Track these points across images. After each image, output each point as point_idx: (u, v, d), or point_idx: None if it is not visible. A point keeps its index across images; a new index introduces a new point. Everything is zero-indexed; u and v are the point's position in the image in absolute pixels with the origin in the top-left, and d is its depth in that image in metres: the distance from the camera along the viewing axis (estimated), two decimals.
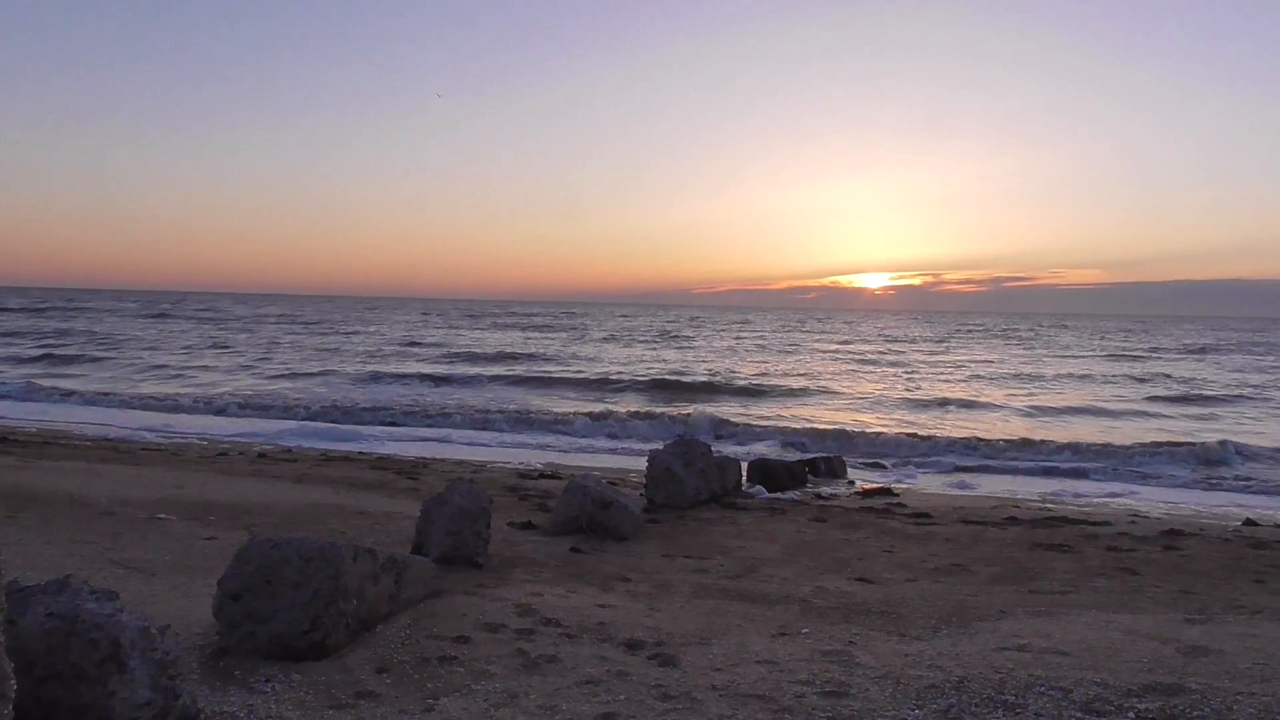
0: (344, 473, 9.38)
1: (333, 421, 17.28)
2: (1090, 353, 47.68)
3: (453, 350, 38.23)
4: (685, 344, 48.72)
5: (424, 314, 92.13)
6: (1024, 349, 50.91)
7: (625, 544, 6.46)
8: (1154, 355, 45.64)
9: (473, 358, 34.78)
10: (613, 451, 15.26)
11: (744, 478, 11.43)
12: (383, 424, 17.42)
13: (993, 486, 12.13)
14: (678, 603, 4.80)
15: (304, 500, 7.43)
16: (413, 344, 41.96)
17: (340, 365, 29.73)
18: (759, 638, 4.18)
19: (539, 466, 12.79)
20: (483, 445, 15.12)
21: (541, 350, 39.67)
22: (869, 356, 41.06)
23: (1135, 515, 9.71)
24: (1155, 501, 11.18)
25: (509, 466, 12.24)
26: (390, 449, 14.25)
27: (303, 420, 17.54)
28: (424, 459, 12.07)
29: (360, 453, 12.53)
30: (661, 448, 8.79)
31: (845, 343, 54.31)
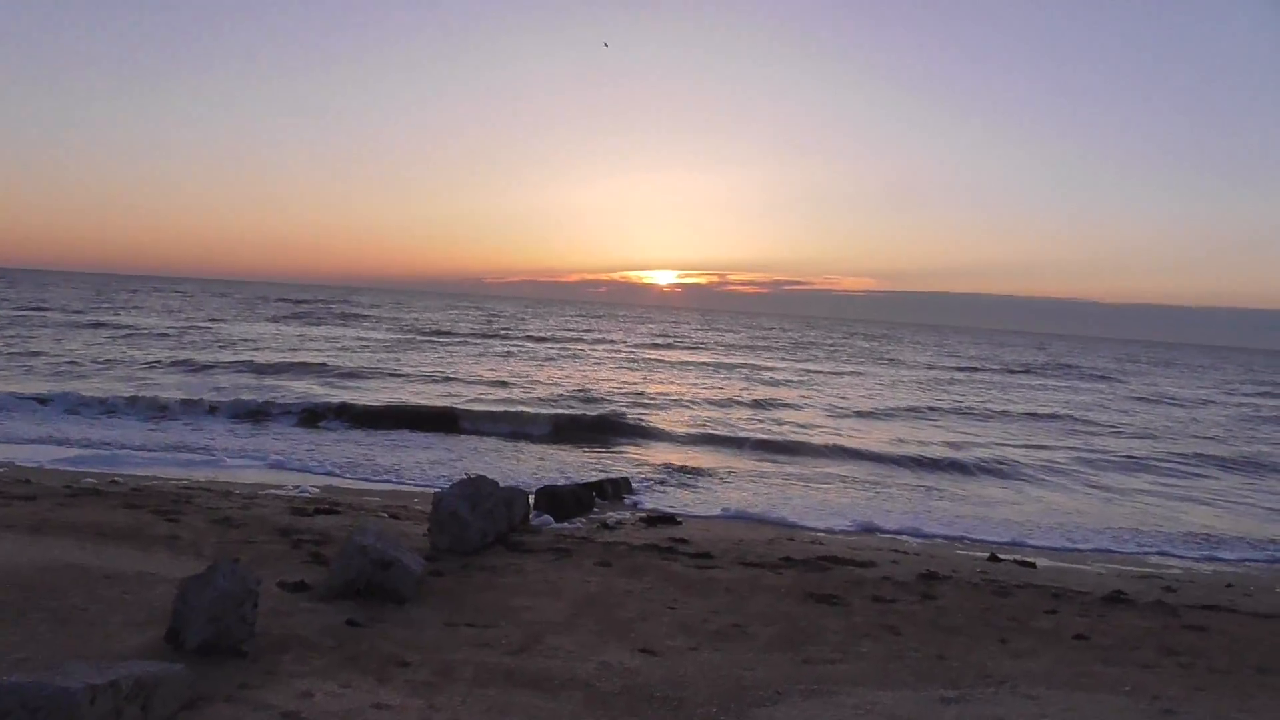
0: (92, 515, 8.53)
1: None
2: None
3: (218, 337, 36.15)
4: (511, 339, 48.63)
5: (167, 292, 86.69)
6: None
7: (405, 609, 6.20)
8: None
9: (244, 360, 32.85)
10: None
11: (532, 506, 11.36)
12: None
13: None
14: (458, 696, 4.64)
15: (42, 560, 6.68)
16: (162, 334, 39.23)
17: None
18: None
19: (316, 491, 12.20)
20: (251, 462, 14.26)
21: (304, 344, 38.21)
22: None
23: (896, 552, 10.35)
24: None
25: (282, 494, 11.59)
26: (147, 468, 13.21)
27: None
28: (188, 488, 11.22)
29: (114, 479, 11.49)
30: (448, 487, 8.54)
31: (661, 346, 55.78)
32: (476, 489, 8.54)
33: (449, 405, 20.70)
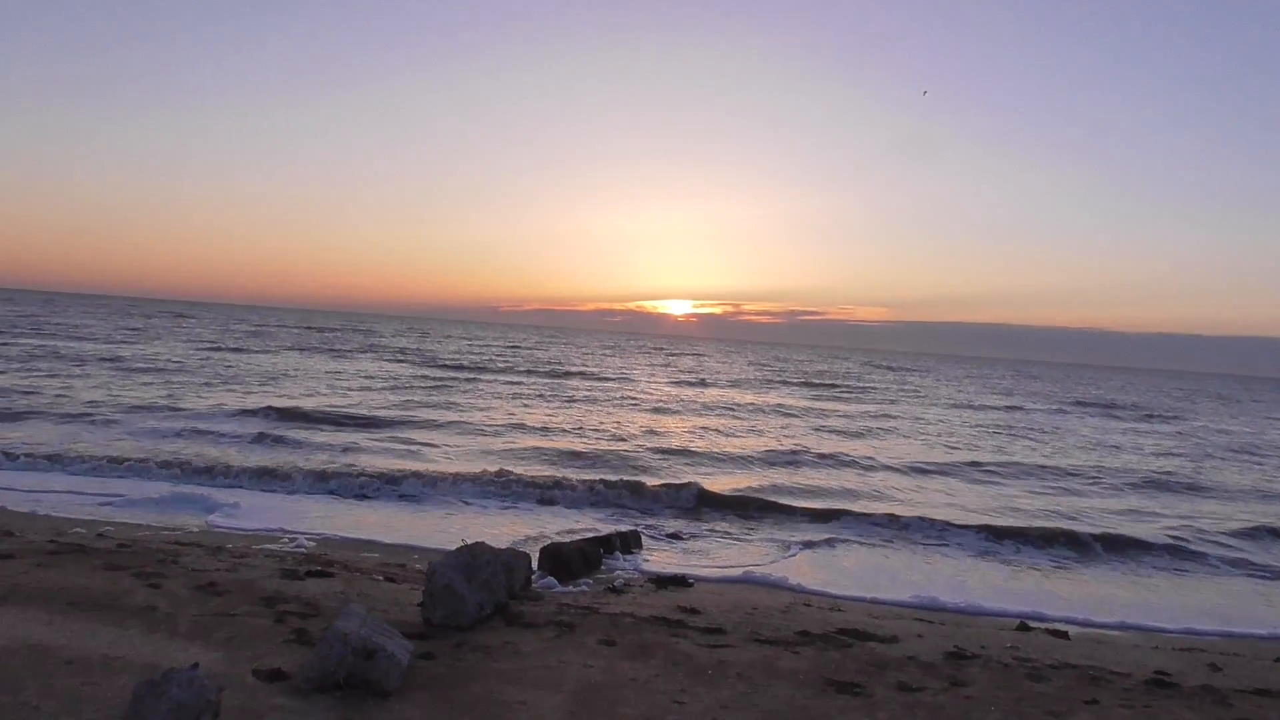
0: (69, 578, 8.08)
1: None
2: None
3: (232, 374, 35.78)
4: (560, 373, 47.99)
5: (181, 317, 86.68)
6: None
7: (389, 704, 5.70)
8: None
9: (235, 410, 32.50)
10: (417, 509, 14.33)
11: (535, 567, 10.87)
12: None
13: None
14: None
15: (4, 638, 6.22)
16: (160, 367, 38.96)
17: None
18: None
19: (312, 546, 11.74)
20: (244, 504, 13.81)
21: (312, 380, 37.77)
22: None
23: (922, 620, 9.78)
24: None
25: (275, 551, 11.13)
26: (141, 516, 12.81)
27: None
28: (179, 542, 10.78)
29: (103, 531, 11.07)
30: (443, 559, 8.04)
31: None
32: (473, 558, 8.04)
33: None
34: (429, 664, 6.58)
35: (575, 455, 21.36)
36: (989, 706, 6.56)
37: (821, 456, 23.81)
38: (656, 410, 35.28)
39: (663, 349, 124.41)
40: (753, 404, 41.14)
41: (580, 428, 27.19)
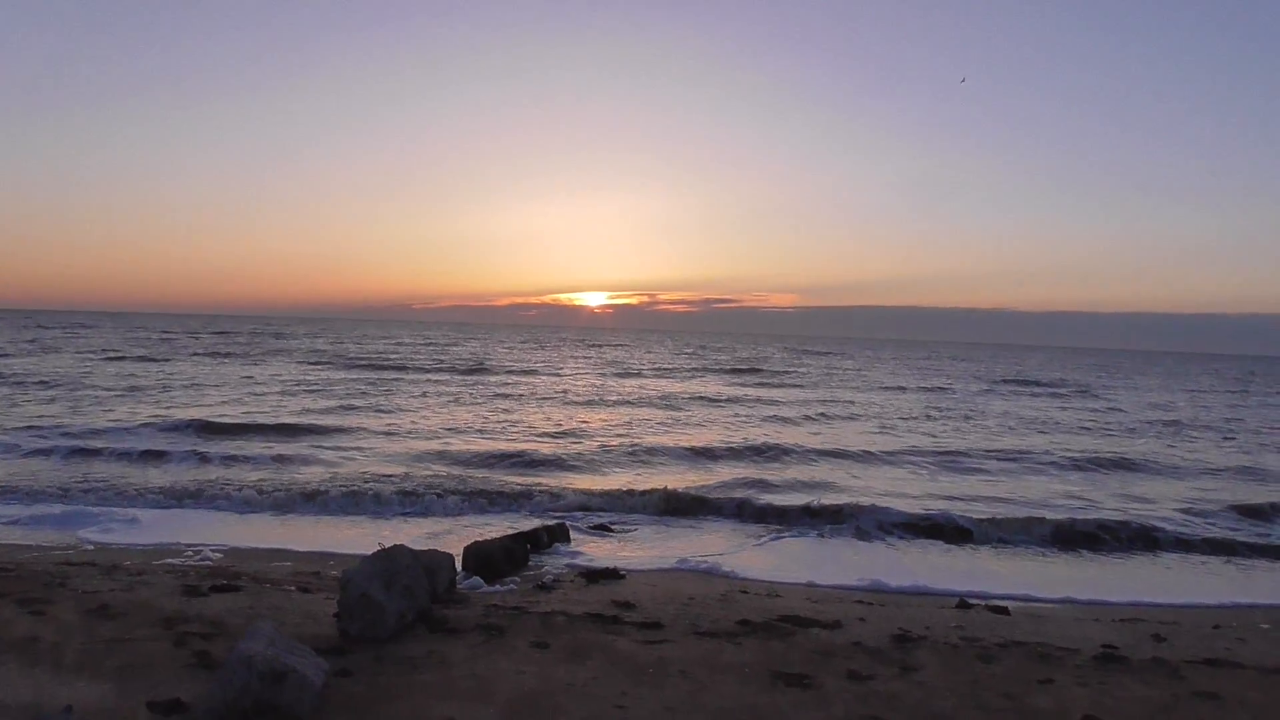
0: None
1: None
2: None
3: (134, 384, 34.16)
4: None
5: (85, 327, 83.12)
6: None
7: None
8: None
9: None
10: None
11: (460, 568, 10.34)
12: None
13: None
14: None
15: None
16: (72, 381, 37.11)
17: None
18: None
19: (219, 558, 11.00)
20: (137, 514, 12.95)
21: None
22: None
23: (863, 603, 9.54)
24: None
25: (177, 565, 10.38)
26: (30, 536, 11.90)
27: None
28: (70, 563, 9.96)
29: None
30: (359, 565, 7.47)
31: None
32: (390, 563, 7.49)
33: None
34: (347, 682, 6.03)
35: (502, 456, 20.67)
36: (945, 692, 6.28)
37: (762, 447, 23.29)
38: (588, 404, 34.59)
39: (584, 340, 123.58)
40: (685, 393, 40.50)
41: (506, 425, 26.45)
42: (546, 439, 23.90)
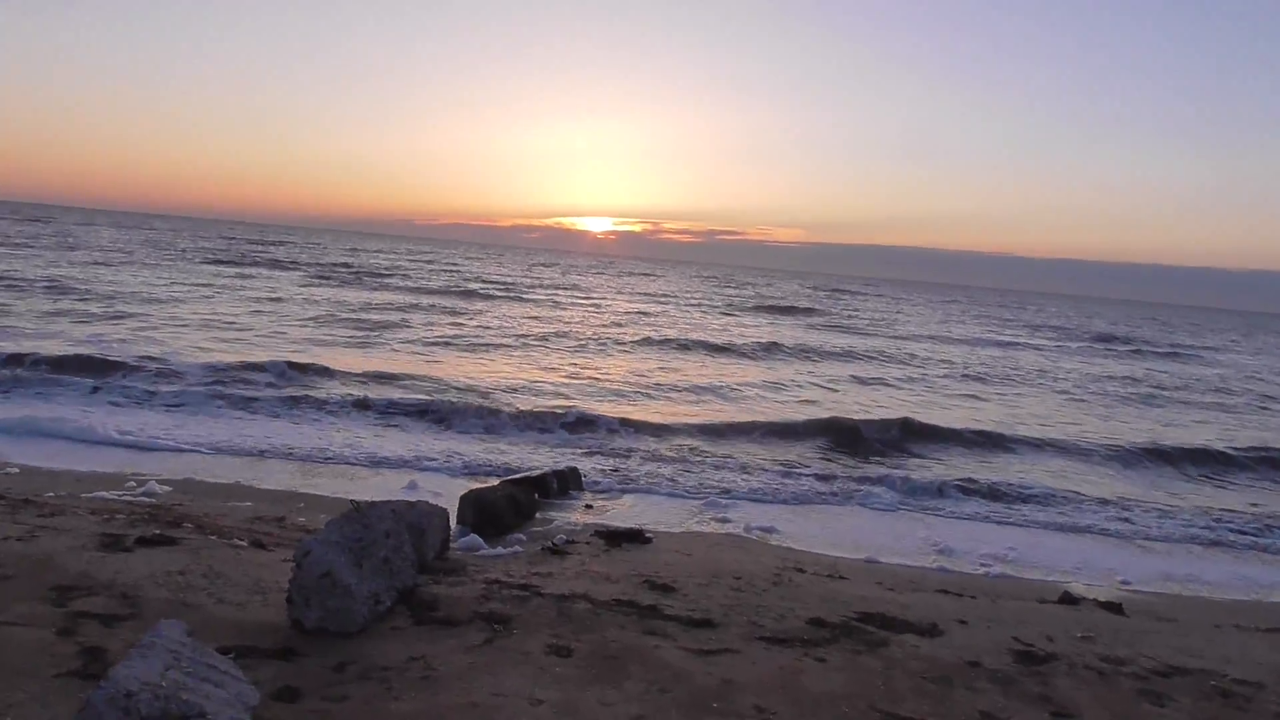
0: None
1: None
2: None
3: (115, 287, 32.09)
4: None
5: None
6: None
7: None
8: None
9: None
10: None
11: (454, 524, 8.54)
12: None
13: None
14: None
15: None
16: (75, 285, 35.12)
17: None
18: None
19: (160, 495, 9.18)
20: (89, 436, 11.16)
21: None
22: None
23: (944, 591, 7.76)
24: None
25: (111, 500, 8.55)
26: None
27: None
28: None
29: None
30: (321, 532, 5.60)
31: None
32: (364, 530, 5.62)
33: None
34: (289, 711, 4.20)
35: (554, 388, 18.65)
36: None
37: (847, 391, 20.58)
38: (641, 344, 30.12)
39: (596, 268, 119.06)
40: (753, 339, 33.64)
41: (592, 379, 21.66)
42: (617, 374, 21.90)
